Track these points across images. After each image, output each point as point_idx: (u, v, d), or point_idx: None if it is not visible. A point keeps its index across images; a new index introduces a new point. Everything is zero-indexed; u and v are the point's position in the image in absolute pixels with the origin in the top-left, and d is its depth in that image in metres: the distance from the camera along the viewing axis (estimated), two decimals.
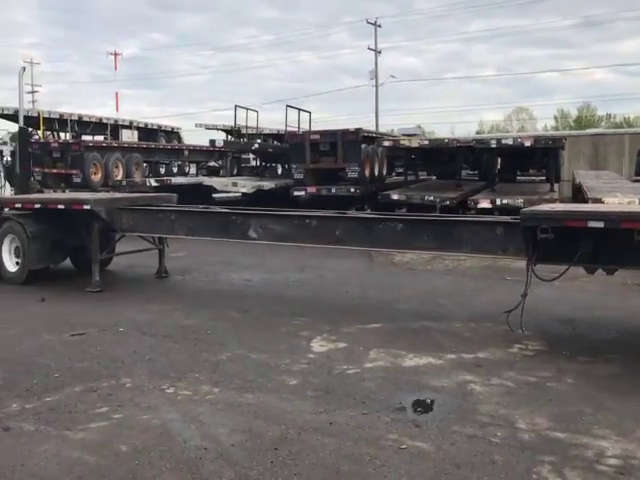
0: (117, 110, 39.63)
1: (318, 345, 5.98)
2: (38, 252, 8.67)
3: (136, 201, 8.76)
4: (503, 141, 12.29)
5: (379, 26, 40.13)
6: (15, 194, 13.89)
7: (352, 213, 7.09)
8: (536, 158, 14.36)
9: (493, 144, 12.21)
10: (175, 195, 9.24)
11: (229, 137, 26.69)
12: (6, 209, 9.26)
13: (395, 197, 12.88)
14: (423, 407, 4.45)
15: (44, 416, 4.23)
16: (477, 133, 75.81)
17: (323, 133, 13.68)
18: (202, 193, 14.81)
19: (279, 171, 22.23)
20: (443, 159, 14.05)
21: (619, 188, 13.63)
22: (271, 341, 6.10)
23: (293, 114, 17.42)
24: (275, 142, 22.11)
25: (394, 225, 6.46)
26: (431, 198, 12.58)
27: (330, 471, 3.48)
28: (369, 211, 13.28)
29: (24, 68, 14.11)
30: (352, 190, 13.16)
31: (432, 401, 4.55)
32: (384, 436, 3.92)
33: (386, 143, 13.52)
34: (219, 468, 3.49)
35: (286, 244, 7.10)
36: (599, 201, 10.52)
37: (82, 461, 3.55)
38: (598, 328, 6.70)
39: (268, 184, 14.25)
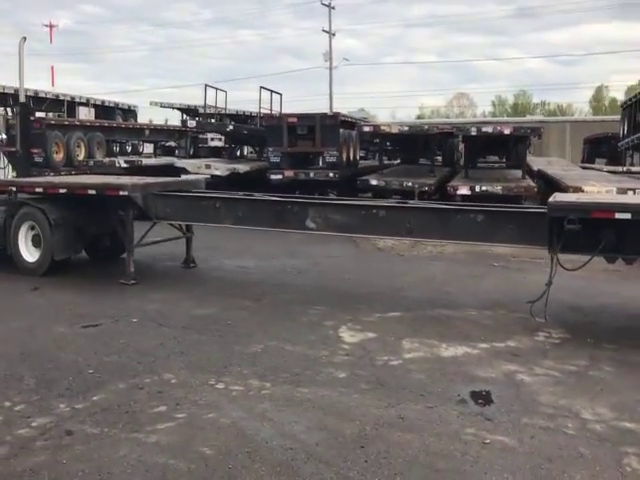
0: (53, 85, 37.61)
1: (348, 335, 5.91)
2: (62, 241, 8.00)
3: (168, 186, 8.23)
4: (483, 129, 12.46)
5: (333, 8, 39.82)
6: (17, 177, 12.73)
7: (423, 203, 6.91)
8: (509, 145, 14.64)
9: (473, 132, 12.35)
10: (203, 179, 8.83)
11: (184, 116, 26.05)
12: (21, 194, 8.48)
13: (374, 183, 12.85)
14: (483, 399, 4.46)
15: (101, 417, 3.99)
16: (418, 118, 76.95)
17: (301, 116, 13.45)
18: (172, 175, 14.31)
19: (237, 153, 21.88)
20: (417, 145, 14.12)
21: (589, 176, 14.12)
22: (297, 331, 5.98)
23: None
24: (232, 122, 21.61)
25: (474, 216, 6.38)
26: (409, 184, 12.61)
27: (428, 469, 3.44)
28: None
29: (24, 38, 12.99)
30: (331, 175, 13.04)
31: (488, 392, 4.58)
32: (462, 431, 3.91)
33: (366, 128, 13.45)
34: (317, 470, 3.38)
35: (350, 235, 6.88)
36: (580, 190, 10.84)
37: (171, 467, 3.37)
38: (605, 315, 6.92)
39: (243, 167, 13.93)
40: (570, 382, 4.81)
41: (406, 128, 13.23)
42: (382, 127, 13.31)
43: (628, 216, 5.59)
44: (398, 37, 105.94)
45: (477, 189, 12.04)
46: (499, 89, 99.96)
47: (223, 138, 23.75)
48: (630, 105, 17.21)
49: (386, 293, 7.65)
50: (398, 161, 18.78)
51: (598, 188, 10.84)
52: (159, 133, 19.45)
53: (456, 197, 12.05)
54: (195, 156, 21.61)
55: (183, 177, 10.89)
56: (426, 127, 13.45)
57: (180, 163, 14.51)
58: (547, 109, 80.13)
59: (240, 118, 23.32)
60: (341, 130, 13.20)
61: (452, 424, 4.01)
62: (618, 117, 40.13)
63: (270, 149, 13.56)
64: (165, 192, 7.92)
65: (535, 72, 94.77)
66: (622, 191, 10.57)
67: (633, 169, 18.11)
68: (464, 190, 12.08)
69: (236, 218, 7.41)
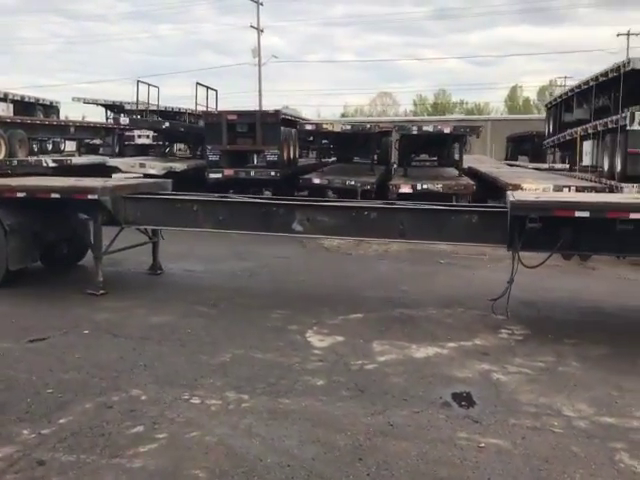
0: None
1: (316, 340, 5.77)
2: (18, 249, 7.29)
3: (137, 188, 7.69)
4: (424, 128, 12.62)
5: (261, 4, 39.35)
6: None
7: (416, 204, 6.75)
8: (444, 144, 14.92)
9: (414, 130, 12.48)
10: (170, 181, 8.34)
11: (108, 112, 25.05)
12: None
13: (317, 181, 12.76)
14: (465, 401, 4.45)
15: (74, 442, 3.66)
16: (342, 116, 77.79)
17: (241, 113, 13.14)
18: (102, 175, 13.65)
19: (167, 151, 21.24)
20: (356, 143, 14.13)
21: (522, 174, 14.63)
22: (263, 338, 5.78)
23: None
24: (159, 118, 20.92)
25: (468, 217, 6.40)
26: (352, 183, 12.62)
27: (432, 478, 3.36)
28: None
29: None
30: (272, 173, 12.83)
31: (469, 393, 4.57)
32: (454, 435, 3.86)
33: (308, 127, 13.33)
34: None
35: (340, 238, 6.62)
36: (519, 187, 11.19)
37: None
38: (558, 309, 7.12)
39: (180, 166, 13.46)
40: (544, 379, 4.88)
41: (348, 127, 13.21)
42: (324, 125, 13.22)
43: (587, 214, 5.74)
44: (320, 35, 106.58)
45: (418, 187, 12.19)
46: (420, 88, 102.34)
47: (151, 135, 23.04)
48: (555, 105, 17.99)
49: (344, 294, 7.56)
50: (332, 159, 18.79)
51: (536, 185, 11.22)
52: (85, 130, 18.54)
53: (397, 195, 12.17)
54: (120, 154, 20.78)
55: (148, 179, 10.22)
56: (368, 126, 13.48)
57: (112, 162, 13.87)
58: (465, 108, 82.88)
59: (169, 115, 22.63)
60: (282, 128, 13.01)
61: (443, 429, 3.95)
62: (534, 116, 41.99)
63: (209, 147, 13.18)
64: (135, 195, 7.45)
65: (453, 72, 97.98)
66: (558, 188, 11.01)
67: (556, 166, 18.98)
68: (406, 188, 12.21)
69: (216, 222, 7.02)
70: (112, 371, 4.87)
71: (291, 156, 14.23)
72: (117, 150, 21.62)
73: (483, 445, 3.73)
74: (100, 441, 3.68)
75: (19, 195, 7.32)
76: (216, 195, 7.45)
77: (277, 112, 12.92)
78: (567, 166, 17.30)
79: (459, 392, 4.59)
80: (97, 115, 27.18)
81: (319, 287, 7.94)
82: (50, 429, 3.84)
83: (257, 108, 33.56)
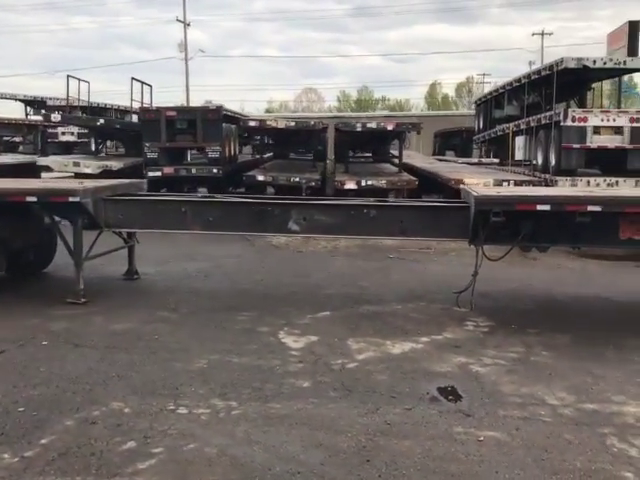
0: None
1: (291, 341, 5.69)
2: None
3: (116, 189, 7.22)
4: (368, 125, 12.70)
5: None
6: None
7: (414, 201, 6.66)
8: (382, 140, 15.09)
9: (359, 127, 12.55)
10: (145, 181, 7.92)
11: (28, 108, 23.77)
12: None
13: (261, 178, 12.60)
14: (452, 395, 4.50)
15: (64, 464, 3.42)
16: (267, 111, 77.37)
17: (180, 110, 12.80)
18: (31, 175, 12.93)
19: (92, 147, 20.41)
20: (298, 140, 14.07)
21: (460, 169, 15.02)
22: (235, 341, 5.64)
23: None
24: (84, 115, 20.05)
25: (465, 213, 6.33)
26: (297, 179, 12.55)
27: (444, 475, 3.38)
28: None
29: None
30: (214, 171, 12.57)
31: (453, 387, 4.63)
32: (452, 430, 3.91)
33: (252, 123, 13.11)
34: None
35: (336, 237, 6.43)
36: (461, 182, 11.46)
37: None
38: (513, 299, 7.37)
39: (116, 164, 12.92)
40: (520, 370, 5.01)
41: (293, 123, 13.11)
42: (268, 122, 13.06)
43: (548, 208, 5.95)
44: (242, 30, 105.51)
45: (363, 183, 12.28)
46: (343, 85, 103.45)
47: (76, 132, 22.08)
48: (485, 102, 18.59)
49: (306, 292, 7.51)
50: (267, 155, 18.62)
51: (477, 180, 11.54)
52: (4, 127, 17.48)
53: (343, 191, 12.21)
54: (43, 152, 19.78)
55: (125, 180, 9.54)
56: (312, 122, 13.43)
57: (44, 161, 13.16)
58: (387, 104, 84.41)
59: (94, 110, 21.72)
60: (224, 124, 12.76)
61: (439, 425, 3.99)
62: (457, 112, 43.32)
63: (146, 144, 12.75)
64: (115, 197, 7.05)
65: (375, 69, 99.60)
66: (498, 182, 11.38)
67: (484, 160, 19.64)
68: (351, 185, 12.26)
69: (206, 223, 6.74)
70: (84, 384, 4.61)
71: (232, 153, 13.99)
72: (40, 147, 20.60)
73: (482, 439, 3.79)
74: (92, 461, 3.46)
75: None
76: (202, 195, 7.18)
77: (219, 108, 12.65)
78: (497, 161, 17.90)
79: (443, 386, 4.65)
80: (12, 111, 25.78)
81: (279, 286, 7.84)
82: (33, 451, 3.58)
83: (184, 104, 32.89)
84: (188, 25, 38.24)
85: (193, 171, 12.65)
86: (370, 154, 18.37)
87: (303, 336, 5.81)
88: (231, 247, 10.28)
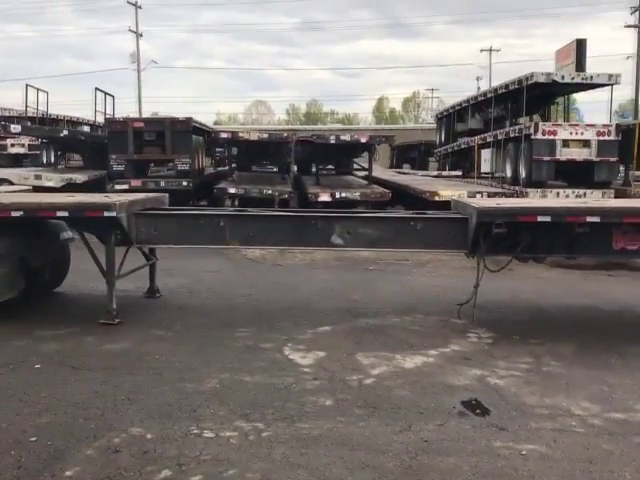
0: None
1: (298, 357, 5.53)
2: (6, 277, 6.31)
3: (145, 203, 6.85)
4: (341, 137, 12.70)
5: (140, 7, 37.68)
6: None
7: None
8: (356, 153, 15.12)
9: (332, 140, 12.53)
10: (167, 195, 7.57)
11: None
12: None
13: (232, 191, 12.40)
14: (479, 408, 4.45)
15: None
16: (215, 123, 76.72)
17: (148, 121, 12.46)
18: None
19: (44, 160, 19.73)
20: (268, 152, 13.92)
21: (429, 181, 15.19)
22: (242, 359, 5.45)
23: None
24: (36, 125, 19.34)
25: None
26: (269, 192, 12.43)
27: None
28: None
29: None
30: (184, 184, 12.27)
31: (477, 400, 4.58)
32: (492, 445, 3.84)
33: (224, 135, 12.89)
34: None
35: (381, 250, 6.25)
36: (437, 194, 11.61)
37: None
38: (506, 310, 7.41)
39: (81, 177, 12.44)
40: (537, 380, 5.01)
41: (266, 135, 12.96)
42: (241, 134, 12.87)
43: (548, 219, 6.02)
44: (189, 42, 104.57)
45: (337, 196, 12.25)
46: (292, 98, 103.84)
47: (26, 144, 21.27)
48: (447, 116, 18.92)
49: (299, 307, 7.35)
50: (226, 168, 18.29)
51: (451, 192, 11.69)
52: None
53: (317, 204, 12.14)
54: None
55: (151, 194, 8.87)
56: (285, 134, 13.32)
57: (3, 174, 12.53)
58: (336, 118, 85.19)
59: (47, 121, 20.99)
60: (194, 136, 12.49)
61: (477, 440, 3.91)
62: (408, 125, 44.07)
63: (112, 156, 12.34)
64: (147, 211, 6.74)
65: (323, 83, 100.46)
66: (472, 194, 11.54)
67: (444, 173, 19.97)
68: (325, 197, 12.22)
69: (246, 237, 6.51)
70: (94, 409, 4.33)
71: (200, 165, 13.72)
72: None
73: (525, 453, 3.74)
74: None
75: (14, 215, 6.21)
76: (237, 209, 6.94)
77: (188, 120, 12.38)
78: (458, 173, 18.20)
79: (467, 400, 4.59)
80: None
81: (270, 301, 7.65)
82: None
83: (137, 115, 32.14)
84: (141, 36, 37.43)
85: (162, 184, 12.30)
86: (333, 167, 18.41)
87: (310, 352, 5.66)
88: (207, 261, 10.01)
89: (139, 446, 3.75)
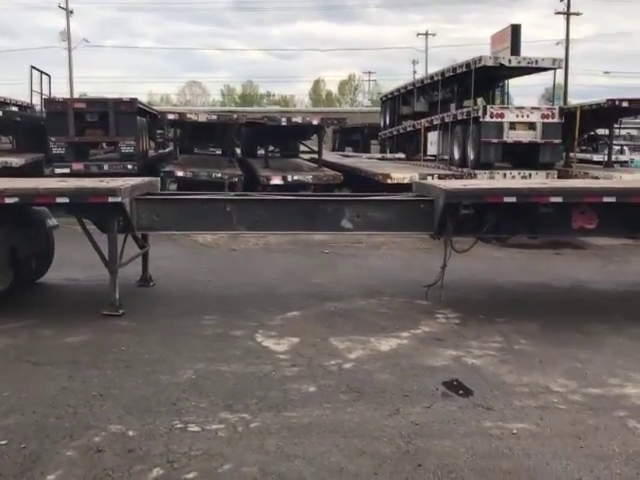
0: None
1: (272, 344, 5.41)
2: None
3: (142, 188, 6.46)
4: (293, 119, 12.49)
5: None
6: None
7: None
8: (307, 135, 14.94)
9: (284, 122, 12.31)
10: (159, 179, 7.29)
11: None
12: None
13: (180, 174, 12.02)
14: (461, 389, 4.47)
15: None
16: (148, 104, 74.55)
17: (90, 101, 11.86)
18: None
19: None
20: (215, 134, 13.55)
21: (378, 164, 15.21)
22: (214, 348, 5.28)
23: None
24: None
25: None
26: (219, 175, 12.12)
27: (501, 472, 3.31)
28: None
29: None
30: (129, 167, 11.78)
31: (458, 381, 4.60)
32: (482, 425, 3.86)
33: (171, 116, 12.42)
34: None
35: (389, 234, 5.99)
36: (389, 176, 11.64)
37: None
38: (466, 290, 7.48)
39: (17, 160, 11.70)
40: (511, 359, 5.08)
41: (215, 116, 12.60)
42: (189, 115, 12.45)
43: (514, 199, 6.10)
44: (118, 20, 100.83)
45: (289, 179, 12.09)
46: (227, 79, 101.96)
47: None
48: (392, 99, 18.98)
49: (263, 292, 7.20)
50: (168, 150, 17.78)
51: (403, 174, 11.74)
52: None
53: (268, 186, 11.95)
54: None
55: (145, 178, 8.33)
56: (235, 116, 12.98)
57: None
58: (273, 100, 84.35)
59: None
60: (139, 118, 12.00)
61: (466, 421, 3.92)
62: (347, 108, 44.02)
63: (52, 139, 11.71)
64: (147, 196, 6.40)
65: (258, 64, 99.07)
66: (423, 176, 11.61)
67: (387, 156, 20.10)
68: (277, 180, 12.04)
69: (252, 223, 6.30)
70: (64, 406, 4.08)
71: (144, 148, 13.23)
72: None
73: (515, 432, 3.77)
74: None
75: (8, 201, 5.76)
76: (243, 193, 6.64)
77: (133, 100, 11.87)
78: (402, 156, 18.32)
79: (448, 380, 4.61)
80: None
81: (231, 287, 7.46)
82: None
83: (68, 96, 30.70)
84: (71, 13, 35.66)
85: (105, 167, 11.79)
86: (278, 150, 18.19)
87: (282, 338, 5.54)
88: (158, 248, 9.58)
89: (122, 444, 3.55)
